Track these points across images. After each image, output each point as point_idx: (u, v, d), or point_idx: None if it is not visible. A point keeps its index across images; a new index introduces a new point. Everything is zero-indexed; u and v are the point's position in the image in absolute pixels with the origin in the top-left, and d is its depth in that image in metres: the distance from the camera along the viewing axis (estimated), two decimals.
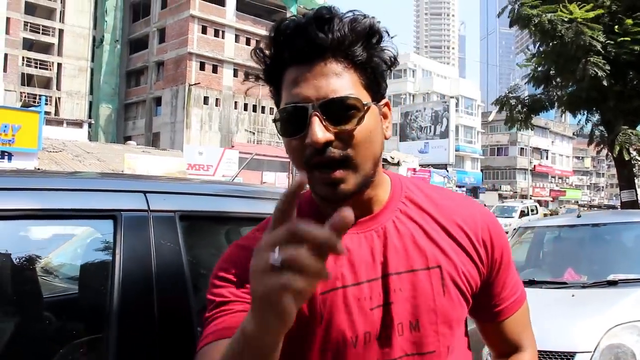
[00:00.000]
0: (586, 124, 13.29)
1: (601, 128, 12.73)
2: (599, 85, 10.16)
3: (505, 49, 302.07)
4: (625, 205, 11.77)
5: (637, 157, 12.63)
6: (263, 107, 41.50)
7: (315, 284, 0.61)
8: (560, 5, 10.28)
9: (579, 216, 5.50)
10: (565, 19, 10.09)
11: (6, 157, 17.61)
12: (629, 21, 10.16)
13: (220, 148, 34.92)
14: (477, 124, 58.76)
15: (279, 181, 36.10)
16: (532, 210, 24.51)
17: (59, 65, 44.12)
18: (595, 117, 12.87)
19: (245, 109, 40.85)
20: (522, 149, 66.59)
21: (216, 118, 39.28)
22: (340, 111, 0.87)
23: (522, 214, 23.12)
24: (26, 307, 1.72)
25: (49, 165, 20.81)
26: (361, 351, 0.91)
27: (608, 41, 10.13)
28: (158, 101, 41.44)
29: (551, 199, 69.59)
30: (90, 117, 41.20)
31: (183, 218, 1.54)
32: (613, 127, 11.21)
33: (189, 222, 1.58)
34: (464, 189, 48.11)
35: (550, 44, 11.01)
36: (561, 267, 4.78)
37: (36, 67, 43.05)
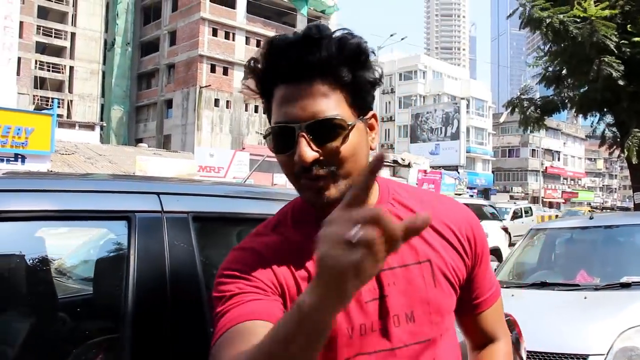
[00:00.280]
0: (598, 124, 13.19)
1: (614, 129, 12.64)
2: (613, 86, 10.08)
3: (517, 50, 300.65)
4: (639, 207, 11.67)
5: None
6: None
7: (378, 271, 0.63)
8: (575, 2, 10.21)
9: (591, 218, 5.47)
10: (579, 19, 10.02)
11: (19, 160, 17.76)
12: None
13: (231, 150, 35.03)
14: (488, 126, 58.49)
15: (290, 183, 36.08)
16: (526, 212, 23.23)
17: (71, 68, 44.55)
18: (608, 119, 12.76)
19: (256, 111, 40.97)
20: (533, 150, 66.22)
21: (227, 120, 39.42)
22: (325, 131, 0.91)
23: (515, 215, 21.81)
24: (41, 308, 1.74)
25: (62, 168, 20.98)
26: (357, 341, 0.95)
27: (622, 41, 10.04)
28: (169, 103, 41.67)
29: (563, 201, 69.12)
30: (102, 119, 41.53)
31: (196, 219, 1.55)
32: (627, 128, 11.12)
33: (202, 223, 1.60)
34: (475, 190, 47.90)
35: (562, 45, 10.93)
36: (573, 269, 4.75)
37: (49, 70, 43.49)
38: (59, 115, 30.06)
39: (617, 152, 13.18)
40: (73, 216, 1.46)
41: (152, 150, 31.22)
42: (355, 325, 0.95)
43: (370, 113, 1.00)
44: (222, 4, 40.19)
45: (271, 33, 42.34)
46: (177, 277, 1.45)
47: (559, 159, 72.13)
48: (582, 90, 11.99)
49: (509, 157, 67.71)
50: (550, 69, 12.36)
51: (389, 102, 58.99)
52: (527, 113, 12.45)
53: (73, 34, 44.83)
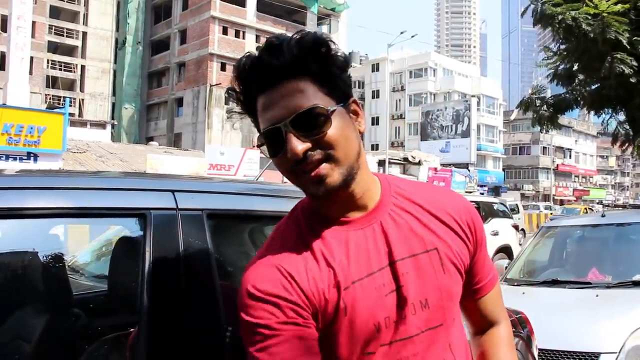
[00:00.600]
0: (608, 122, 13.07)
1: (626, 127, 12.52)
2: (626, 83, 9.98)
3: (528, 46, 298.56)
4: None
5: None
6: None
7: None
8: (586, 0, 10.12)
9: (603, 216, 5.43)
10: (590, 15, 9.94)
11: (32, 158, 17.89)
12: None
13: (242, 148, 35.10)
14: (499, 123, 58.18)
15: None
16: (512, 210, 22.66)
17: (83, 67, 44.80)
18: (620, 116, 12.65)
19: None
20: (544, 147, 65.80)
21: (237, 118, 39.49)
22: (309, 122, 0.96)
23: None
24: (56, 304, 1.76)
25: (73, 166, 21.14)
26: (384, 335, 1.00)
27: (635, 37, 9.95)
28: (180, 102, 41.82)
29: (574, 199, 68.62)
30: (113, 118, 41.76)
31: (210, 216, 1.56)
32: (639, 126, 11.02)
33: (216, 220, 1.61)
34: (486, 188, 47.68)
35: (574, 42, 10.84)
36: (585, 267, 4.73)
37: (60, 70, 43.78)
38: (71, 114, 30.27)
39: (629, 150, 13.06)
40: (89, 213, 1.47)
41: (162, 148, 31.37)
42: (380, 319, 1.00)
43: (350, 99, 1.04)
44: (232, 2, 40.25)
45: (281, 31, 42.28)
46: (192, 274, 1.46)
47: (570, 157, 71.62)
48: (594, 87, 11.89)
49: (519, 154, 67.33)
50: (562, 66, 12.26)
51: (399, 100, 58.83)
52: (540, 112, 12.37)
53: (84, 33, 45.08)
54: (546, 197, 62.19)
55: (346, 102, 1.03)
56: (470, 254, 1.14)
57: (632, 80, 9.83)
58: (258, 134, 1.02)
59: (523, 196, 60.89)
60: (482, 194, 34.67)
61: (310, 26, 44.15)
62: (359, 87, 58.99)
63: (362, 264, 1.01)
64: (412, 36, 37.11)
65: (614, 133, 13.24)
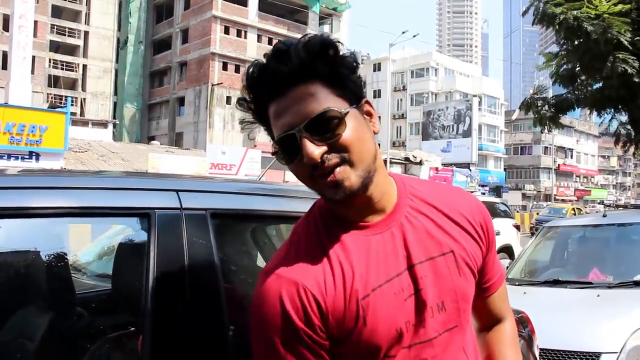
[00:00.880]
0: (610, 122, 13.06)
1: (628, 127, 12.51)
2: (628, 83, 9.98)
3: (529, 46, 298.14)
4: None
5: None
6: None
7: None
8: (586, 1, 10.12)
9: (604, 216, 5.43)
10: (592, 15, 9.93)
11: (34, 157, 17.91)
12: None
13: (243, 147, 35.08)
14: (500, 123, 58.15)
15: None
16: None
17: (84, 66, 44.83)
18: (623, 116, 12.64)
19: None
20: (546, 147, 65.75)
21: (239, 118, 39.50)
22: (323, 125, 0.94)
23: None
24: (60, 303, 1.77)
25: (75, 165, 21.16)
26: (405, 339, 1.00)
27: (636, 37, 9.94)
28: (181, 101, 41.83)
29: (576, 199, 68.54)
30: (114, 117, 41.77)
31: (214, 216, 1.57)
32: None
33: (220, 220, 1.62)
34: (487, 188, 47.64)
35: (576, 42, 10.83)
36: (586, 267, 4.73)
37: (62, 69, 43.81)
38: (73, 113, 30.28)
39: (631, 150, 13.05)
40: (93, 213, 1.48)
41: (164, 147, 31.38)
42: (402, 324, 1.00)
43: (363, 100, 1.03)
44: (234, 2, 40.25)
45: (283, 31, 42.36)
46: (196, 274, 1.47)
47: (571, 157, 71.57)
48: (595, 87, 11.88)
49: (521, 154, 67.28)
50: (564, 67, 12.25)
51: (401, 100, 58.82)
52: (542, 112, 12.36)
53: (86, 33, 45.10)
54: (547, 197, 62.13)
55: (359, 103, 1.02)
56: (482, 255, 1.15)
57: (636, 79, 9.82)
58: (272, 142, 1.01)
59: (524, 196, 60.84)
60: (484, 193, 34.67)
61: (312, 26, 44.13)
62: None
63: (381, 270, 1.01)
64: (414, 36, 37.08)
65: (615, 133, 13.23)
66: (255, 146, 33.91)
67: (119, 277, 1.79)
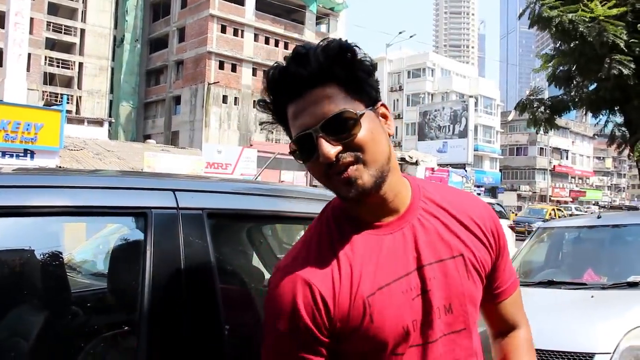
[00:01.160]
0: (606, 124, 13.12)
1: (623, 128, 12.57)
2: (623, 85, 10.03)
3: (526, 47, 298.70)
4: None
5: None
6: None
7: None
8: (581, 4, 10.17)
9: (599, 217, 5.45)
10: (587, 18, 9.97)
11: (29, 155, 17.85)
12: None
13: (239, 147, 35.05)
14: (496, 124, 58.26)
15: (297, 180, 36.15)
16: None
17: (80, 64, 44.70)
18: (618, 118, 12.69)
19: None
20: (541, 149, 65.91)
21: (235, 117, 39.47)
22: (339, 126, 0.99)
23: None
24: (56, 302, 1.77)
25: (70, 164, 21.10)
26: (412, 337, 1.04)
27: (632, 40, 9.98)
28: (177, 100, 41.77)
29: (571, 200, 68.76)
30: (110, 115, 41.69)
31: (211, 215, 1.57)
32: (635, 128, 11.07)
33: (217, 219, 1.62)
34: (482, 189, 47.73)
35: (572, 44, 10.88)
36: (580, 268, 4.75)
37: (58, 67, 43.69)
38: (68, 111, 30.21)
39: (626, 151, 13.11)
40: (90, 212, 1.48)
41: (160, 146, 31.32)
42: (408, 322, 1.03)
43: (379, 103, 1.07)
44: (231, 0, 40.21)
45: (280, 30, 42.35)
46: (192, 274, 1.47)
47: (567, 158, 71.76)
48: (591, 89, 11.93)
49: (516, 155, 67.42)
50: (561, 68, 12.30)
51: (397, 100, 58.86)
52: (537, 114, 12.41)
53: (82, 30, 44.97)
54: (543, 198, 62.30)
55: (374, 105, 1.06)
56: (492, 260, 1.17)
57: (630, 82, 9.87)
58: (290, 141, 1.05)
59: (520, 197, 60.99)
60: (479, 194, 34.74)
61: (309, 25, 44.14)
62: None
63: (390, 268, 1.04)
64: (411, 36, 37.20)
65: (610, 135, 13.29)
66: (251, 145, 33.86)
67: (115, 276, 1.79)
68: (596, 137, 25.83)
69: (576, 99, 12.33)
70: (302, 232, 1.17)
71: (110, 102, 45.17)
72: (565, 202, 66.06)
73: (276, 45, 42.40)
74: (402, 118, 57.69)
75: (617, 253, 4.97)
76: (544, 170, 65.33)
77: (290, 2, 42.90)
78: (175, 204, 1.53)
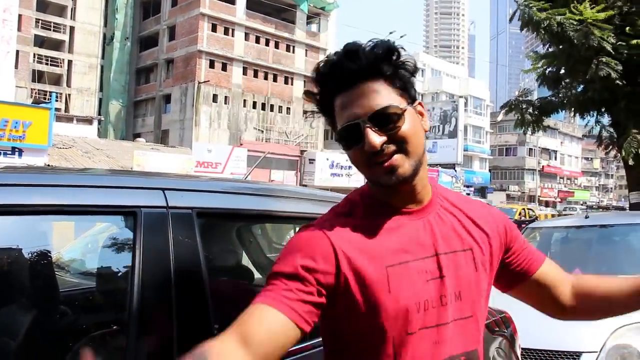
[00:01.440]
0: (596, 125, 13.22)
1: (610, 129, 12.67)
2: (611, 86, 10.11)
3: (515, 48, 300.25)
4: (634, 206, 11.72)
5: None
6: (272, 105, 41.53)
7: None
8: (570, 6, 10.24)
9: (587, 217, 5.51)
10: (575, 21, 10.05)
11: (17, 153, 17.73)
12: None
13: (229, 146, 34.98)
14: (485, 124, 58.53)
15: (287, 179, 36.14)
16: None
17: (70, 62, 44.34)
18: (605, 119, 12.80)
19: (254, 107, 40.90)
20: (530, 149, 66.28)
21: (225, 116, 39.36)
22: (385, 118, 1.08)
23: None
24: (43, 302, 1.76)
25: (59, 162, 20.97)
26: (422, 316, 1.10)
27: (619, 42, 10.07)
28: (167, 99, 41.57)
29: (559, 200, 69.23)
30: (100, 114, 41.40)
31: (200, 215, 1.58)
32: (623, 129, 11.16)
33: (206, 218, 1.62)
34: (472, 189, 47.96)
35: (560, 46, 10.96)
36: (569, 268, 4.71)
37: (47, 64, 43.31)
38: (57, 109, 29.96)
39: (613, 152, 13.22)
40: (79, 211, 1.48)
41: (149, 145, 31.19)
42: (421, 300, 1.10)
43: (417, 102, 1.17)
44: None
45: (270, 29, 42.27)
46: (182, 272, 1.48)
47: (555, 158, 72.22)
48: (579, 90, 12.02)
49: (506, 155, 67.76)
50: (549, 69, 12.38)
51: None
52: (525, 115, 12.48)
53: (72, 28, 44.61)
54: (532, 198, 62.69)
55: (413, 103, 1.15)
56: (502, 255, 1.28)
57: (618, 83, 9.96)
58: (335, 130, 1.13)
59: (509, 197, 61.31)
60: (469, 194, 34.89)
61: (300, 25, 44.12)
62: None
63: (410, 249, 1.13)
64: (401, 36, 37.21)
65: (598, 135, 13.39)
66: (241, 145, 33.79)
67: (103, 276, 1.79)
68: (585, 137, 26.03)
69: (564, 100, 12.42)
70: (292, 232, 1.20)
71: (100, 100, 44.85)
72: (554, 203, 66.53)
73: (267, 44, 42.32)
74: None
75: (605, 253, 5.02)
76: (532, 171, 65.71)
77: (281, 2, 42.82)
78: (164, 203, 1.53)
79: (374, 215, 1.16)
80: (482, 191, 52.66)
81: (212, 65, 39.10)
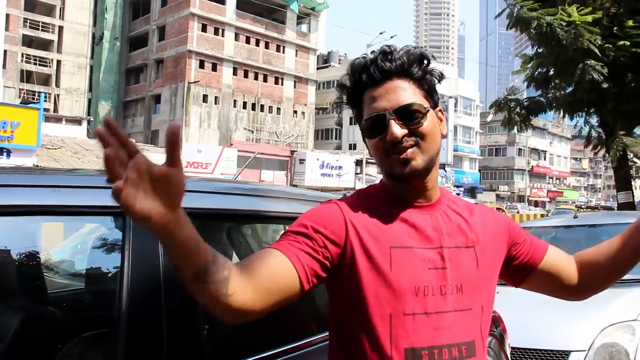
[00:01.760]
0: (585, 125, 13.31)
1: (599, 130, 12.77)
2: (598, 87, 10.20)
3: (505, 49, 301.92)
4: (622, 206, 11.82)
5: (634, 160, 12.66)
6: (262, 106, 41.48)
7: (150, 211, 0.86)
8: (559, 8, 10.32)
9: (575, 217, 5.55)
10: (564, 22, 10.12)
11: (5, 154, 17.60)
12: (630, 22, 10.17)
13: (219, 146, 34.91)
14: (475, 124, 58.80)
15: (278, 179, 36.11)
16: None
17: (59, 62, 44.02)
18: (594, 119, 12.90)
19: (244, 107, 40.84)
20: (520, 149, 66.65)
21: (215, 116, 39.28)
22: (409, 114, 1.19)
23: None
24: (31, 303, 1.75)
25: (48, 162, 20.83)
26: (421, 300, 1.18)
27: (607, 44, 10.16)
28: (157, 99, 41.43)
29: (548, 200, 69.66)
30: (89, 114, 41.15)
31: (190, 215, 1.56)
32: (611, 129, 11.26)
33: (196, 219, 1.61)
34: (462, 189, 48.15)
35: (549, 47, 11.03)
36: None
37: (35, 64, 42.97)
38: (46, 110, 29.73)
39: (601, 152, 13.32)
40: (68, 211, 1.47)
41: (139, 145, 31.01)
42: (421, 285, 1.18)
43: (438, 108, 1.28)
44: None
45: (261, 29, 42.24)
46: (172, 273, 1.47)
47: (545, 159, 72.68)
48: (568, 91, 12.11)
49: (495, 155, 68.12)
50: (539, 70, 12.46)
51: None
52: (513, 114, 12.56)
53: (61, 28, 44.30)
54: (521, 198, 63.02)
55: (436, 108, 1.26)
56: (505, 254, 1.36)
57: (604, 85, 10.05)
58: (361, 120, 1.24)
59: (498, 197, 61.61)
60: (459, 194, 35.02)
61: (290, 25, 44.10)
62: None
63: (416, 237, 1.22)
64: (392, 37, 37.24)
65: (587, 136, 13.50)
66: (231, 145, 33.72)
67: (93, 277, 1.78)
68: (573, 138, 26.22)
69: (553, 100, 12.51)
70: (282, 232, 1.22)
71: (89, 100, 44.58)
72: (543, 203, 66.94)
73: (257, 44, 42.29)
74: None
75: None
76: (522, 171, 66.07)
77: (271, 2, 42.79)
78: None
79: (386, 205, 1.25)
80: (471, 191, 52.89)
81: (202, 65, 39.02)
